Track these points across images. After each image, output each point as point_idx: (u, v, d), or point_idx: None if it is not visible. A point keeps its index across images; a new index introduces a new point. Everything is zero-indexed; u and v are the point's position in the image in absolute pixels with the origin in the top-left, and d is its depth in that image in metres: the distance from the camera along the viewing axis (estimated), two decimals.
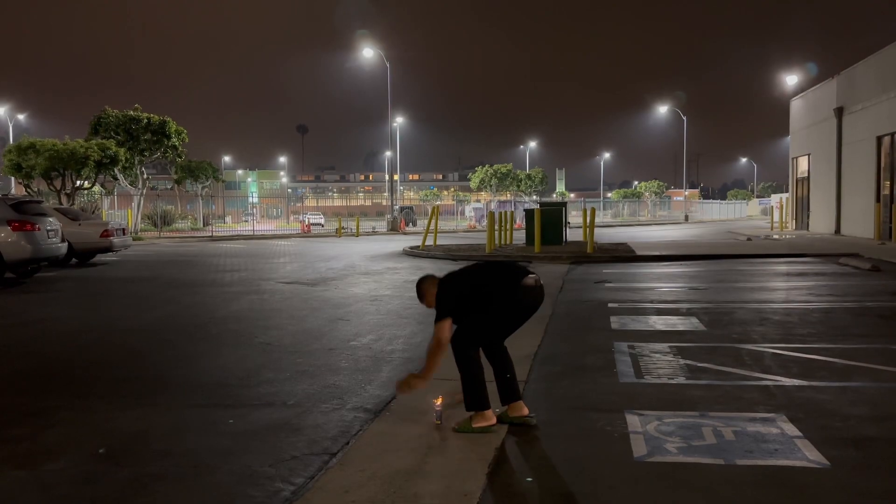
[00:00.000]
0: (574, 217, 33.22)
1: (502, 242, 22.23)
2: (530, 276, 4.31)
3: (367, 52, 41.06)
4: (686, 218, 60.75)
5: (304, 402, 5.07)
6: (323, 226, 48.96)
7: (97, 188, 35.57)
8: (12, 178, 32.76)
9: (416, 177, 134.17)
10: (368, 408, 4.89)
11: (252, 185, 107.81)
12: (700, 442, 4.02)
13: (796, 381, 5.35)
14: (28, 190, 29.80)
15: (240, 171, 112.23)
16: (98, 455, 4.04)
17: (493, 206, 45.68)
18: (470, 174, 73.57)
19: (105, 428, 4.57)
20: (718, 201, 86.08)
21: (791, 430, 4.20)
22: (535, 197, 64.73)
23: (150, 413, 4.89)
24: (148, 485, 3.63)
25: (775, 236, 26.43)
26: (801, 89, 33.71)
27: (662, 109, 67.08)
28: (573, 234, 24.00)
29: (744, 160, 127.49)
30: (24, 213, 13.89)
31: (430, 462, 3.79)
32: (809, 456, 3.78)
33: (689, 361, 6.06)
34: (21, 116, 56.02)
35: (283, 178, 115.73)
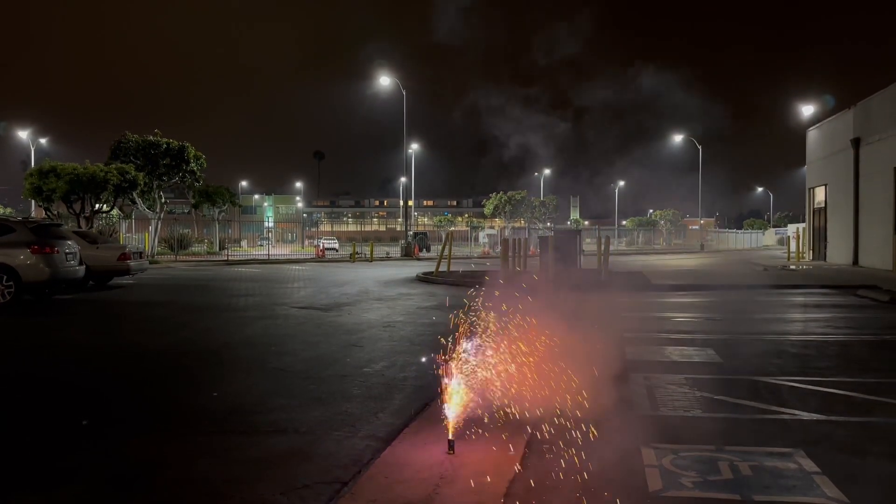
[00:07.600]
0: (588, 245, 33.10)
1: (516, 269, 22.16)
2: None
3: (384, 81, 41.57)
4: (702, 247, 60.40)
5: (316, 430, 5.05)
6: (337, 251, 49.19)
7: (115, 212, 36.04)
8: (32, 202, 33.22)
9: (430, 203, 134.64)
10: (380, 436, 4.87)
11: (268, 209, 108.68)
12: (716, 477, 3.96)
13: (814, 416, 5.27)
14: (48, 213, 30.20)
15: (256, 196, 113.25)
16: (109, 477, 4.04)
17: (507, 232, 45.77)
18: (484, 201, 73.66)
19: (119, 453, 4.57)
20: (734, 230, 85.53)
21: (809, 465, 4.13)
22: (549, 224, 64.69)
23: (164, 439, 4.90)
24: None
25: (792, 267, 26.21)
26: (817, 120, 33.61)
27: (678, 139, 67.06)
28: (587, 262, 23.90)
29: (760, 190, 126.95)
30: (43, 236, 14.07)
31: (441, 493, 3.75)
32: (828, 493, 3.72)
33: (705, 394, 5.99)
34: (43, 140, 56.98)
35: (299, 203, 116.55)
